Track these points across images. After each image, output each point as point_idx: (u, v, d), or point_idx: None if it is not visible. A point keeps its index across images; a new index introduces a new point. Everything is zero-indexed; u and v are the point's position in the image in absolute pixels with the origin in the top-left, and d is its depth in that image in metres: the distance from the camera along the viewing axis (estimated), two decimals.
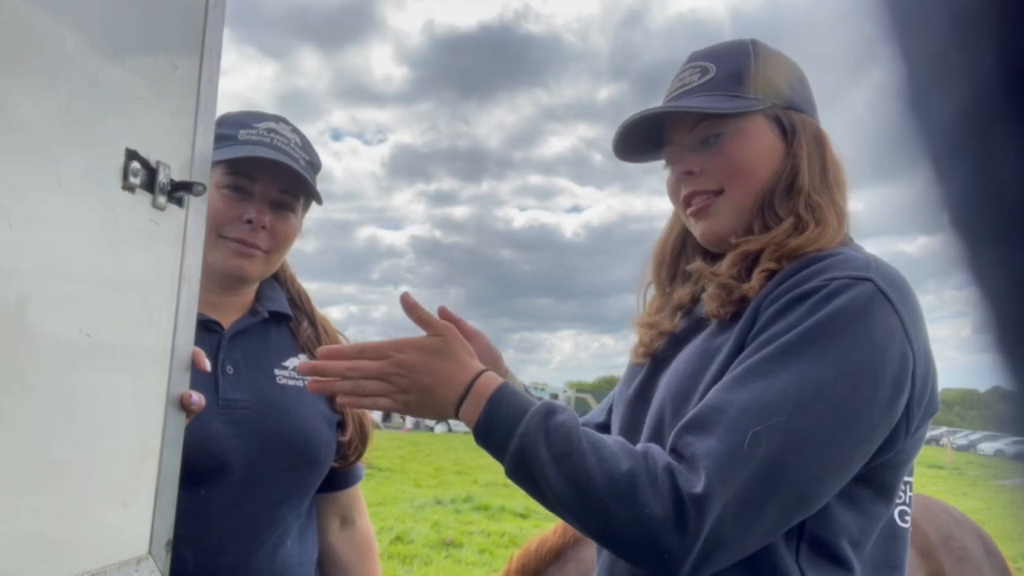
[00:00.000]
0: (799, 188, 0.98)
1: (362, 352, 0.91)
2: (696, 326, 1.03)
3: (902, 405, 0.84)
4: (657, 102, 1.09)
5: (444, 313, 1.05)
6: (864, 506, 0.89)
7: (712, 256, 1.08)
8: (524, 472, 0.86)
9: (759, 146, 1.00)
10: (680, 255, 1.14)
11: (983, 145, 0.19)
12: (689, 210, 1.03)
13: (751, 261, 0.97)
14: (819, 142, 1.02)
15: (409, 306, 0.95)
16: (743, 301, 0.94)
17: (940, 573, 1.95)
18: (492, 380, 0.91)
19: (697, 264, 1.05)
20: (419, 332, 0.96)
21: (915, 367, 0.84)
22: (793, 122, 1.02)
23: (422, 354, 0.91)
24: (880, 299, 0.84)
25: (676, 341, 1.05)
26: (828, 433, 0.80)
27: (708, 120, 1.00)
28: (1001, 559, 2.09)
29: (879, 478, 0.89)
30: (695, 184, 1.02)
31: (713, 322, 0.98)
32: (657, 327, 1.08)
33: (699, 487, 0.77)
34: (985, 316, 0.21)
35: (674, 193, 1.07)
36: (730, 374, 0.86)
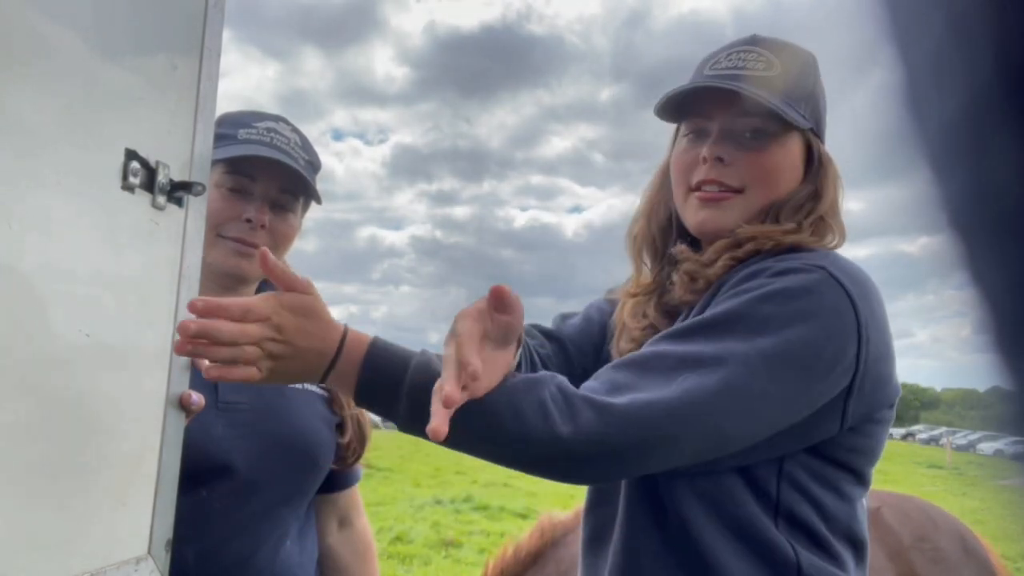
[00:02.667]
0: (814, 209, 0.99)
1: (247, 314, 0.79)
2: (674, 316, 1.04)
3: (839, 384, 0.87)
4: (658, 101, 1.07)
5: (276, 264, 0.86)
6: (841, 488, 0.94)
7: (693, 241, 1.07)
8: (419, 427, 0.80)
9: (791, 163, 1.00)
10: (676, 227, 1.10)
11: (981, 146, 0.19)
12: (698, 193, 1.00)
13: (723, 250, 0.98)
14: (838, 179, 1.03)
15: (270, 265, 0.83)
16: (708, 286, 0.96)
17: (911, 575, 1.95)
18: (360, 337, 0.85)
19: (680, 248, 1.03)
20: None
21: (865, 352, 0.88)
22: (821, 153, 1.02)
23: (297, 316, 0.82)
24: (831, 282, 0.88)
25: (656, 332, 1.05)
26: (757, 391, 0.83)
27: (761, 116, 0.97)
28: (982, 558, 2.08)
29: (853, 463, 0.94)
30: (720, 173, 0.98)
31: (684, 311, 1.00)
32: (645, 322, 1.06)
33: (619, 401, 0.80)
34: (984, 316, 0.22)
35: (686, 168, 1.02)
36: (673, 328, 0.89)
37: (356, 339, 0.84)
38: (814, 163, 1.01)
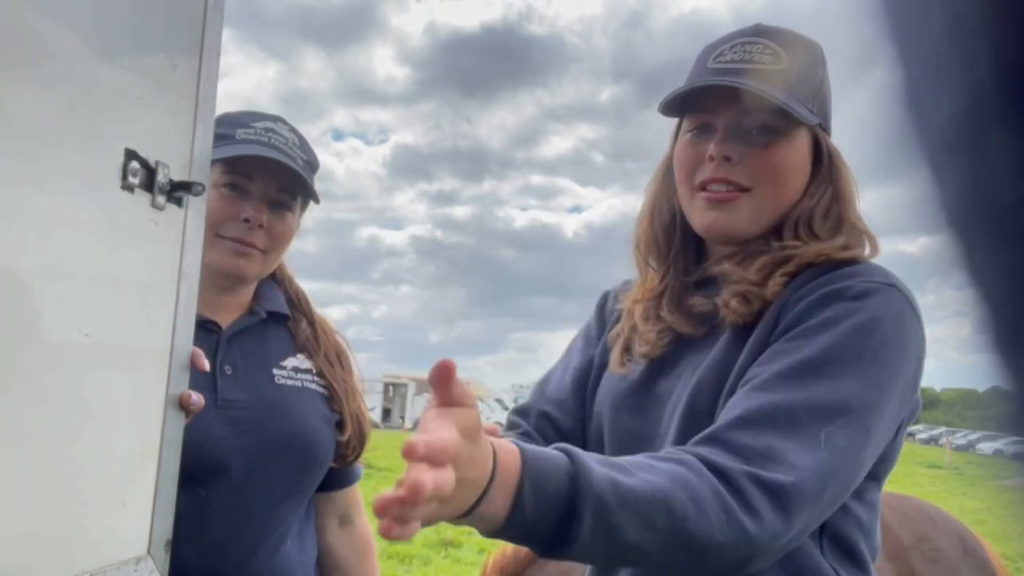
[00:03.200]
0: (841, 217, 0.95)
1: (441, 454, 0.58)
2: (707, 331, 0.97)
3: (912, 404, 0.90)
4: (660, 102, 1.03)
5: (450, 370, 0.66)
6: (870, 497, 0.93)
7: (697, 242, 1.03)
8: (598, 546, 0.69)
9: (799, 160, 0.96)
10: (681, 225, 1.04)
11: (979, 145, 0.19)
12: (704, 193, 0.95)
13: (773, 268, 0.93)
14: (850, 172, 0.99)
15: (447, 373, 0.64)
16: (764, 306, 0.91)
17: (910, 575, 1.95)
18: (510, 453, 0.67)
19: (724, 267, 0.96)
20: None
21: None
22: (830, 149, 0.99)
23: (468, 442, 0.62)
24: (907, 303, 0.88)
25: (680, 344, 0.99)
26: (881, 432, 0.83)
27: (766, 112, 0.92)
28: (982, 558, 2.08)
29: (878, 471, 0.92)
30: (728, 172, 0.94)
31: (727, 329, 0.94)
32: (670, 325, 1.00)
33: (789, 478, 0.74)
34: (983, 316, 0.22)
35: (691, 166, 0.97)
36: (772, 367, 0.83)
37: (506, 456, 0.67)
38: (823, 159, 0.98)
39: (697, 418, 0.90)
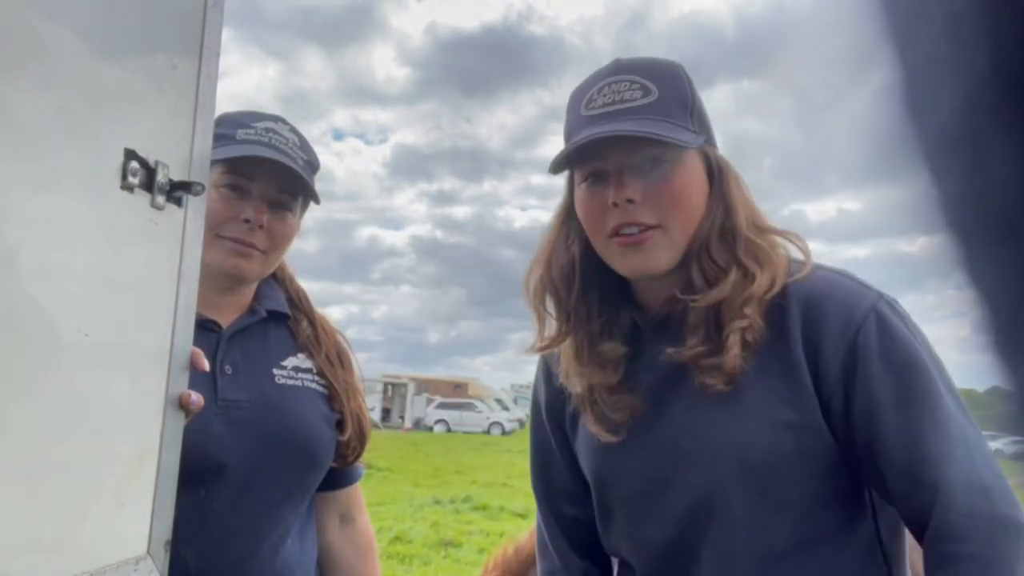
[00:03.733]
0: (735, 232, 0.97)
1: None
2: (672, 376, 0.98)
3: None
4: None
5: None
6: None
7: (606, 276, 1.04)
8: None
9: (696, 181, 0.98)
10: (580, 275, 1.05)
11: (977, 146, 0.19)
12: (617, 239, 0.97)
13: (709, 316, 0.95)
14: (739, 181, 1.01)
15: None
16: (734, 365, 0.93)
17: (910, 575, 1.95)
18: None
19: (669, 352, 0.97)
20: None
21: None
22: (718, 160, 1.01)
23: None
24: (895, 310, 0.93)
25: (656, 395, 1.00)
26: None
27: (654, 145, 0.94)
28: None
29: None
30: (634, 214, 0.95)
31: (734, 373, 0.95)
32: (587, 379, 1.02)
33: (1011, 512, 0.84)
34: (982, 317, 0.22)
35: (597, 215, 0.98)
36: (902, 416, 0.88)
37: None
38: (714, 173, 1.00)
39: (755, 468, 0.92)
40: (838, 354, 0.90)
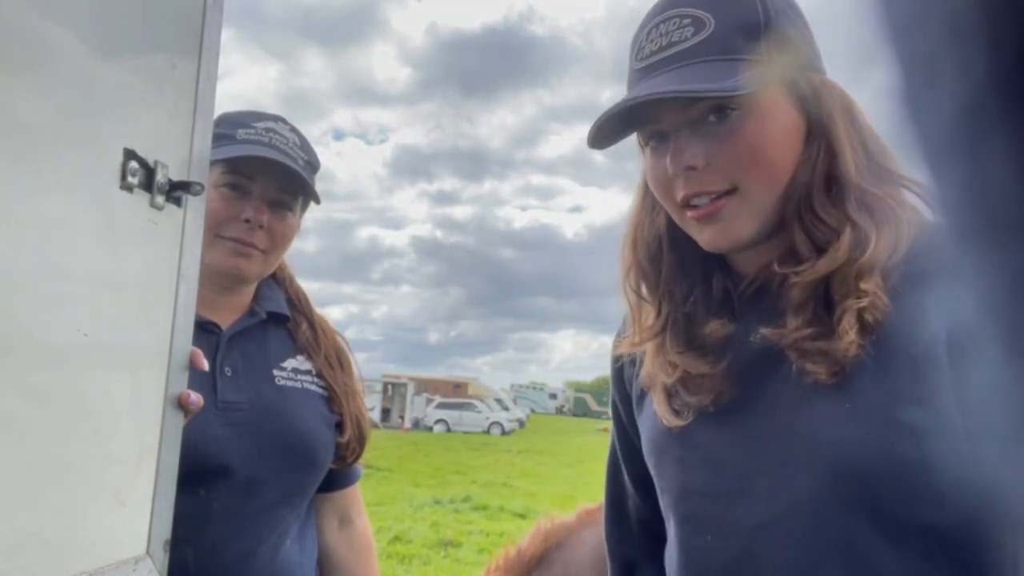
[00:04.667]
0: (845, 181, 0.78)
1: None
2: (763, 359, 0.80)
3: None
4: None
5: None
6: None
7: (697, 259, 0.89)
8: None
9: (780, 127, 0.79)
10: (668, 248, 0.91)
11: (977, 147, 0.19)
12: (691, 213, 0.82)
13: (817, 290, 0.77)
14: (850, 111, 0.81)
15: None
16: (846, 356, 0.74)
17: None
18: None
19: (764, 333, 0.80)
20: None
21: None
22: (817, 89, 0.80)
23: None
24: None
25: (743, 379, 0.83)
26: None
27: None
28: None
29: None
30: (699, 183, 0.80)
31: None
32: (684, 367, 0.85)
33: None
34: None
35: (665, 188, 0.83)
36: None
37: None
38: (808, 105, 0.80)
39: (856, 479, 0.72)
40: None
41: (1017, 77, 0.17)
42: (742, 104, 0.78)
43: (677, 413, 0.86)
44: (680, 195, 0.82)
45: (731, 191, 0.79)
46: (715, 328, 0.85)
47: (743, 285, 0.86)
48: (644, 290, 0.93)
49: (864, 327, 0.73)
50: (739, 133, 0.78)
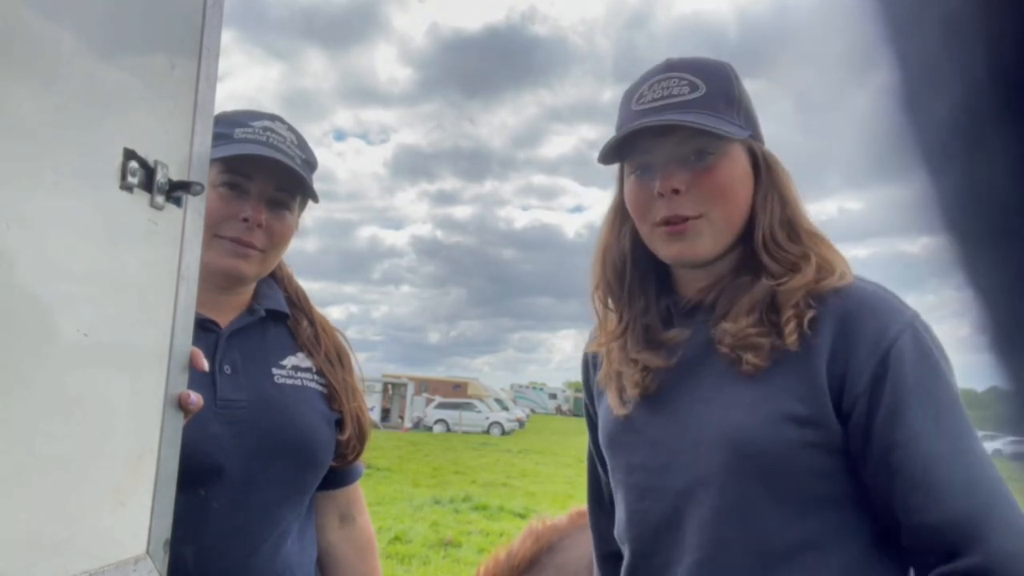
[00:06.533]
0: (795, 220, 1.01)
1: None
2: (694, 355, 1.03)
3: None
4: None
5: None
6: None
7: (656, 267, 1.10)
8: None
9: (740, 173, 1.02)
10: (631, 266, 1.12)
11: (975, 146, 0.19)
12: (667, 228, 1.02)
13: (765, 310, 0.97)
14: (789, 177, 1.05)
15: None
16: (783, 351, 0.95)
17: None
18: None
19: (724, 327, 1.00)
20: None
21: None
22: (764, 154, 1.05)
23: None
24: (930, 336, 0.94)
25: (671, 374, 1.05)
26: None
27: (701, 137, 0.99)
28: None
29: None
30: (678, 205, 1.00)
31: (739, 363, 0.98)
32: (643, 363, 1.06)
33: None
34: (982, 317, 0.22)
35: (644, 207, 1.04)
36: (929, 425, 0.88)
37: None
38: (761, 167, 1.04)
39: (750, 456, 0.93)
40: (870, 362, 0.90)
41: (1016, 77, 0.17)
42: (717, 151, 1.00)
43: (624, 404, 1.08)
44: (660, 215, 1.01)
45: (699, 217, 1.00)
46: (675, 334, 1.06)
47: (683, 302, 1.08)
48: (610, 301, 1.14)
49: (801, 332, 0.93)
50: (713, 172, 1.00)
